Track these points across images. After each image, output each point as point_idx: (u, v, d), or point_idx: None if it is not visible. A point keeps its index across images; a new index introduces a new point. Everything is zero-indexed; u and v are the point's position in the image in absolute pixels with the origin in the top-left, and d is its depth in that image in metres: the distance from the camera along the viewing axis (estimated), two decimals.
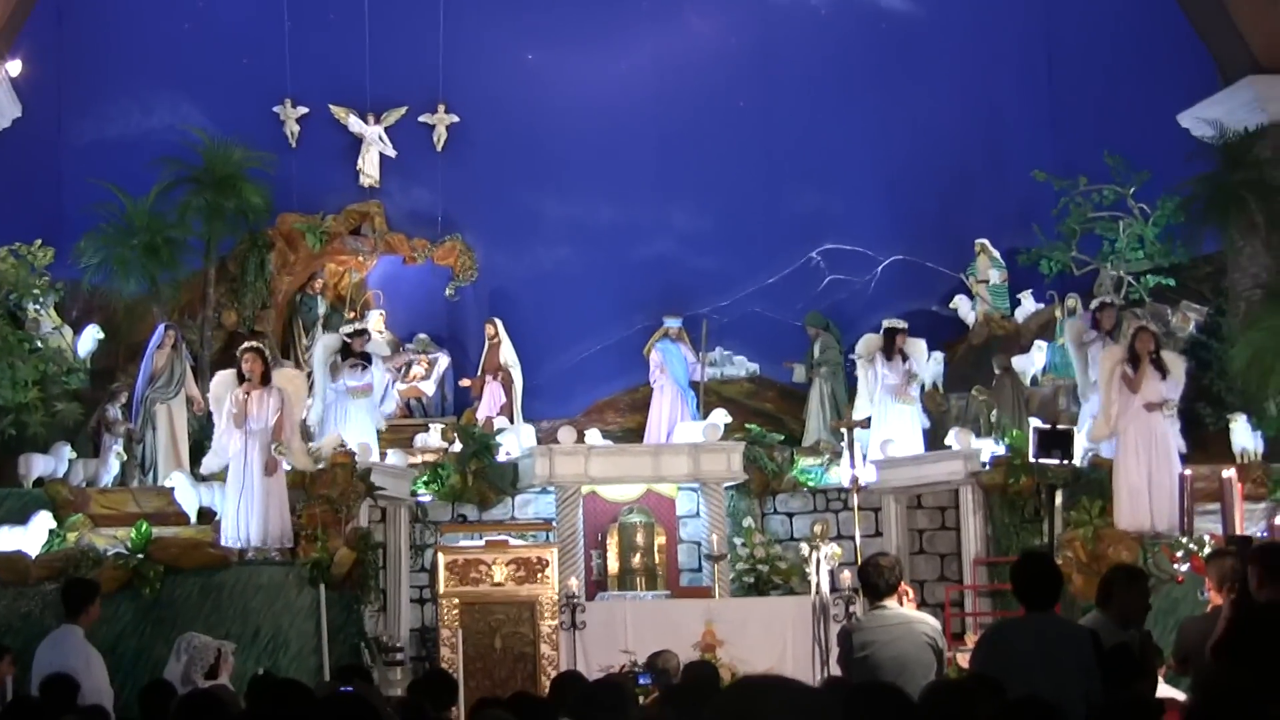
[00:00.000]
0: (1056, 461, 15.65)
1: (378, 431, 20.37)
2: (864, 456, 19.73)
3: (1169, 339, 20.28)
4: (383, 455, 19.84)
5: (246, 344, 17.87)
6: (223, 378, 17.59)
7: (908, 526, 20.38)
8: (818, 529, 18.62)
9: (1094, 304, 20.19)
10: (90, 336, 20.45)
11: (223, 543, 16.88)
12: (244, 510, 16.86)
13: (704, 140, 23.70)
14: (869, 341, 21.18)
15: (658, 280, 23.31)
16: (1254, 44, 21.27)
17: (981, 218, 23.41)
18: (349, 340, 20.27)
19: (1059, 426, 16.38)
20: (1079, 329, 19.86)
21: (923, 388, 21.47)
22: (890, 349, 20.96)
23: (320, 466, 17.71)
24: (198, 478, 18.20)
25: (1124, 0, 22.98)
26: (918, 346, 21.27)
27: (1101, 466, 17.90)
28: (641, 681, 14.42)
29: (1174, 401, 17.73)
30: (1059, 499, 16.63)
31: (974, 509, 19.41)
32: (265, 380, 17.26)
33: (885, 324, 21.21)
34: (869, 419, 20.57)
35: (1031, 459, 16.39)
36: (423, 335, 23.24)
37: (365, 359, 20.20)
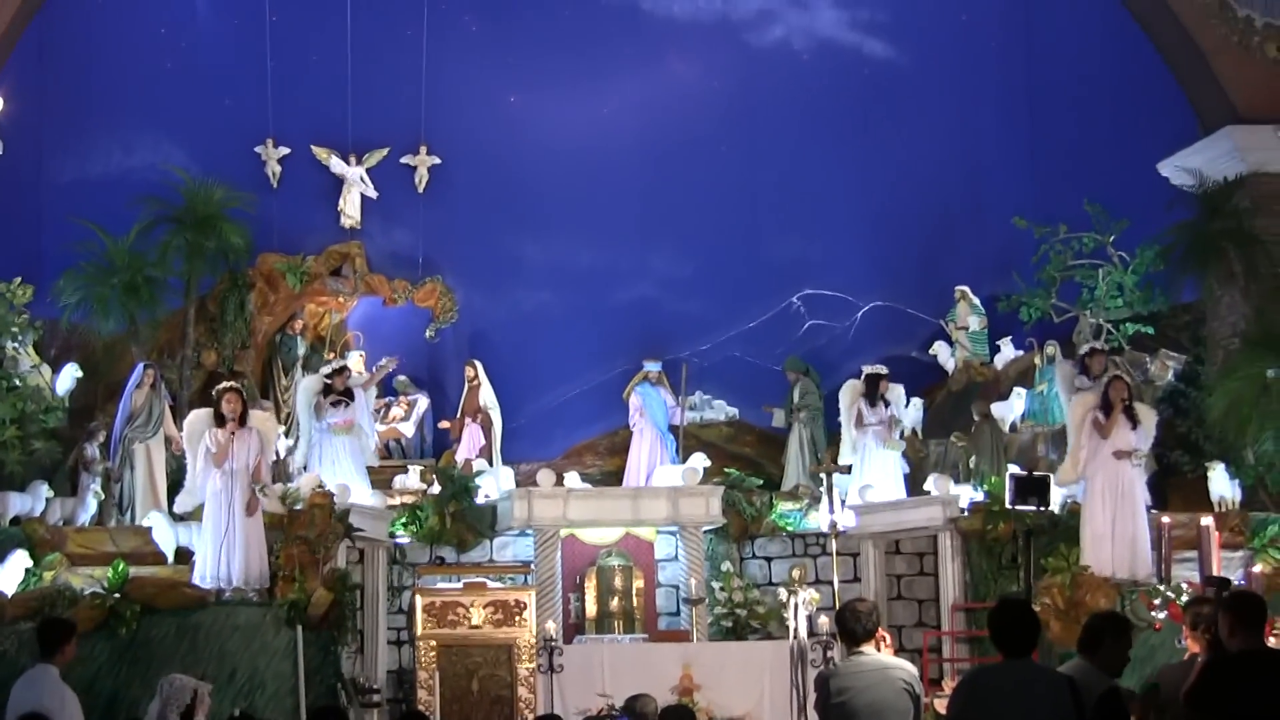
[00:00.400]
0: (1033, 508, 15.66)
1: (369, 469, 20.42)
2: (843, 502, 19.77)
3: (1147, 387, 20.35)
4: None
5: (226, 384, 17.76)
6: (198, 416, 17.49)
7: (886, 572, 20.37)
8: (796, 573, 18.68)
9: (1084, 349, 20.18)
10: (69, 375, 20.39)
11: (195, 582, 16.78)
12: (225, 550, 16.76)
13: (685, 184, 23.75)
14: (852, 388, 21.21)
15: (638, 324, 23.34)
16: (1234, 94, 21.42)
17: (962, 264, 23.49)
18: (329, 380, 20.23)
19: (1036, 473, 16.38)
20: (1070, 372, 19.84)
21: (903, 433, 21.51)
22: (873, 394, 21.02)
23: (298, 507, 17.64)
24: (175, 517, 18.15)
25: (1105, 49, 23.10)
26: (896, 392, 21.34)
27: (1078, 513, 17.92)
28: None
29: (1143, 451, 17.77)
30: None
31: (952, 555, 19.41)
32: (243, 420, 17.22)
33: (866, 370, 21.28)
34: (849, 465, 20.64)
35: (1009, 505, 16.42)
36: (402, 377, 23.21)
37: (348, 395, 20.17)
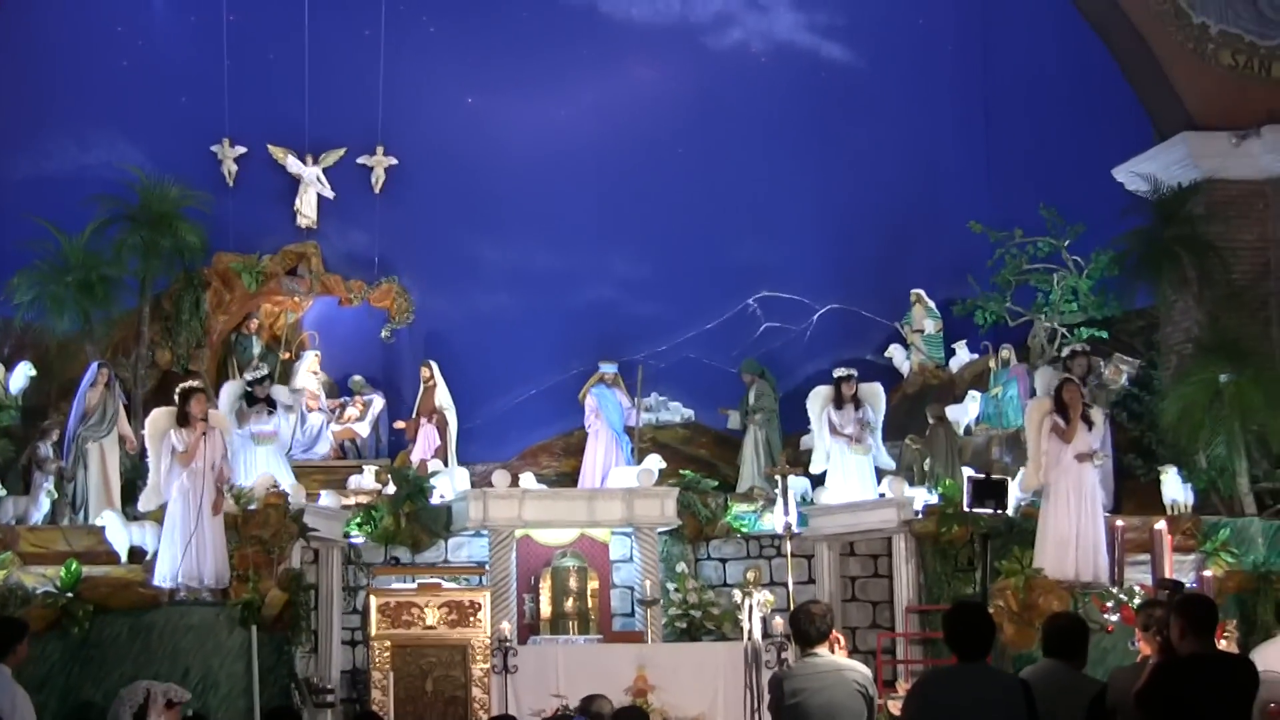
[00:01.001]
0: (990, 511, 15.71)
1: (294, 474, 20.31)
2: (796, 505, 19.79)
3: (1101, 391, 20.40)
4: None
5: (193, 384, 17.73)
6: (161, 415, 17.40)
7: (840, 573, 20.40)
8: (751, 575, 18.67)
9: (1064, 352, 20.21)
10: (22, 374, 20.29)
11: (157, 582, 16.69)
12: (195, 549, 16.64)
13: (643, 187, 23.74)
14: (820, 396, 21.12)
15: (594, 326, 23.31)
16: (1188, 101, 21.52)
17: (917, 268, 23.55)
18: (250, 388, 20.16)
19: (993, 476, 16.44)
20: (1053, 378, 19.75)
21: (885, 432, 21.35)
22: (840, 398, 20.94)
23: (252, 507, 17.58)
24: (130, 516, 18.08)
25: (1061, 55, 23.19)
26: (872, 391, 21.20)
27: (1032, 516, 17.96)
28: None
29: (1101, 452, 17.86)
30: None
31: (907, 557, 19.43)
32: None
33: (835, 374, 21.18)
34: (818, 471, 20.66)
35: (966, 508, 16.45)
36: (358, 377, 23.18)
37: (270, 404, 20.12)
